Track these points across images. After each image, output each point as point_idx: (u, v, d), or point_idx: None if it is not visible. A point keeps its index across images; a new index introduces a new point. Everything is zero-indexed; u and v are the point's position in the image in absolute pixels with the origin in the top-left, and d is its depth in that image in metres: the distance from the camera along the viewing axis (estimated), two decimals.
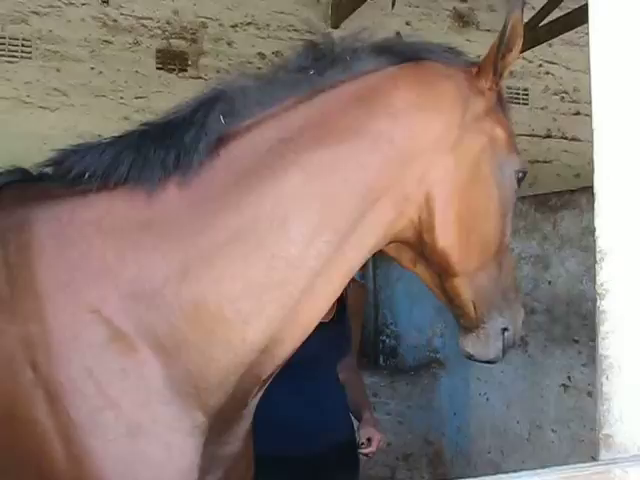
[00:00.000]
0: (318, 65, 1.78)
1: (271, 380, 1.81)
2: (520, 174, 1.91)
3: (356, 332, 3.18)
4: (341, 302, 2.92)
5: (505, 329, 1.95)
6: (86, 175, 1.71)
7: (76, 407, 1.57)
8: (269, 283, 1.66)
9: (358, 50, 1.82)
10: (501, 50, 1.80)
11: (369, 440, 2.95)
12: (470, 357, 2.00)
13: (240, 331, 1.65)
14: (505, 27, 1.77)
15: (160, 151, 1.68)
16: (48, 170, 1.81)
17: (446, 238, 1.78)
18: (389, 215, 1.76)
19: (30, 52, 5.60)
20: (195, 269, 1.63)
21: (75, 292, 1.62)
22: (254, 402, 1.82)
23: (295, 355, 1.79)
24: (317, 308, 1.74)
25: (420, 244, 1.82)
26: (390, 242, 1.86)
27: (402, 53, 1.84)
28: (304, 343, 1.78)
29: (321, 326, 1.82)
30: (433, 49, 1.88)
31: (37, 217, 1.70)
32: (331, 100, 1.75)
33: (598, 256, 1.47)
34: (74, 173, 1.72)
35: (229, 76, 1.87)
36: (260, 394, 1.82)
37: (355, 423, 3.08)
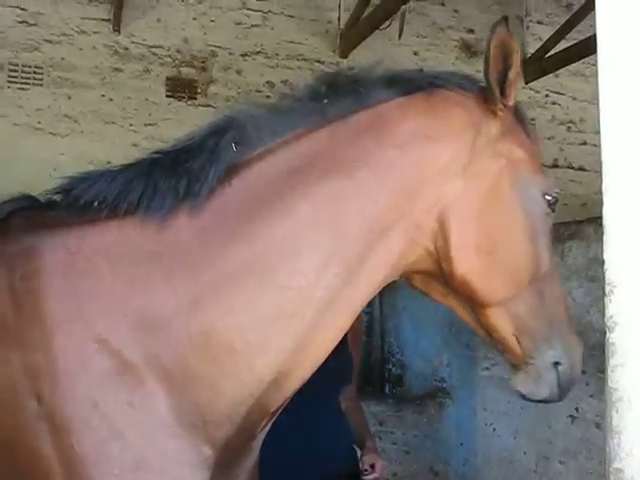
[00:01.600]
0: (331, 95, 1.78)
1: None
2: (550, 197, 1.84)
3: (356, 360, 3.17)
4: None
5: (557, 363, 1.83)
6: (95, 203, 1.70)
7: (81, 439, 1.54)
8: (278, 315, 1.64)
9: (371, 81, 1.82)
10: (497, 69, 1.77)
11: (372, 467, 2.93)
12: (523, 397, 1.87)
13: (249, 363, 1.63)
14: (489, 45, 1.75)
15: (171, 179, 1.68)
16: (57, 197, 1.80)
17: (464, 265, 1.75)
18: (399, 245, 1.75)
19: (42, 79, 5.68)
20: (204, 300, 1.62)
21: (83, 322, 1.60)
22: (262, 434, 1.79)
23: None
24: (327, 340, 1.72)
25: (442, 274, 1.79)
26: (406, 273, 1.84)
27: (414, 83, 1.84)
28: None
29: None
30: (446, 77, 1.88)
31: (45, 245, 1.68)
32: (341, 131, 1.75)
33: (607, 288, 1.47)
34: (83, 201, 1.71)
35: (241, 104, 1.88)
36: (268, 426, 1.79)
37: (359, 452, 3.06)
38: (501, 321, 1.80)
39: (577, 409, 3.99)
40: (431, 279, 1.85)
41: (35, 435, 1.55)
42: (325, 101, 1.78)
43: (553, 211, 1.87)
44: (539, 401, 1.89)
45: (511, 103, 1.82)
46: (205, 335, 1.61)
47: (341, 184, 1.71)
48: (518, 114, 1.93)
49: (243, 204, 1.68)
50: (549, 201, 1.85)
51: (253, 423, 1.71)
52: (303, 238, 1.67)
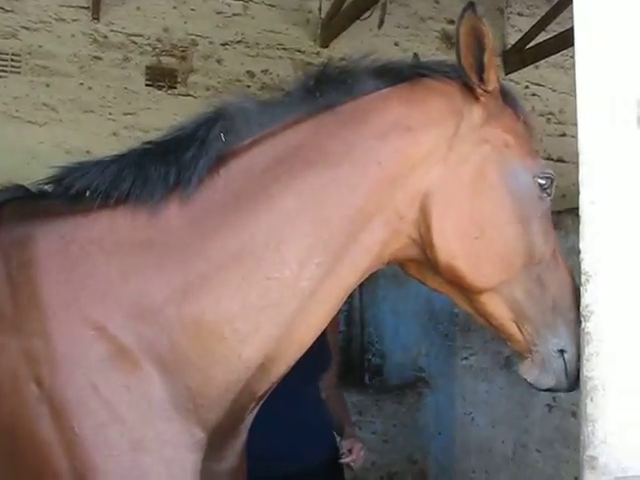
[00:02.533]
0: (319, 87, 1.81)
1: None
2: (543, 180, 1.82)
3: (334, 348, 3.20)
4: None
5: (563, 351, 1.79)
6: (88, 192, 1.73)
7: (81, 422, 1.58)
8: (264, 304, 1.69)
9: (358, 72, 1.84)
10: (471, 54, 1.77)
11: (350, 451, 2.97)
12: (531, 386, 1.85)
13: (237, 349, 1.68)
14: (458, 31, 1.75)
15: (161, 168, 1.71)
16: (48, 187, 1.82)
17: (447, 251, 1.76)
18: (382, 235, 1.77)
19: (20, 67, 5.60)
20: (195, 289, 1.66)
21: (79, 309, 1.64)
22: (250, 417, 1.85)
23: None
24: (312, 328, 1.77)
25: (429, 262, 1.81)
26: (394, 261, 1.87)
27: (400, 74, 1.85)
28: None
29: None
30: (430, 67, 1.89)
31: (40, 234, 1.71)
32: (326, 122, 1.78)
33: (583, 278, 1.49)
34: (76, 190, 1.74)
35: (230, 96, 1.89)
36: (256, 410, 1.85)
37: (338, 439, 3.09)
38: (497, 307, 1.81)
39: (554, 398, 4.03)
40: (423, 267, 1.87)
41: (36, 419, 1.59)
42: (313, 94, 1.80)
43: (548, 194, 1.84)
44: (547, 390, 1.87)
45: (491, 87, 1.81)
46: (196, 323, 1.66)
47: (323, 175, 1.73)
48: (508, 97, 1.92)
49: (231, 194, 1.72)
50: (541, 184, 1.82)
51: (242, 407, 1.77)
52: (287, 229, 1.70)
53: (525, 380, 1.85)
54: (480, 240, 1.76)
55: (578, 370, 1.78)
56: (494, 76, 1.81)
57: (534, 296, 1.79)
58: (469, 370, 4.86)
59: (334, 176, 1.74)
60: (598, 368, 1.45)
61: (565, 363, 1.80)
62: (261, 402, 1.84)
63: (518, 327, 1.82)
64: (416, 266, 1.90)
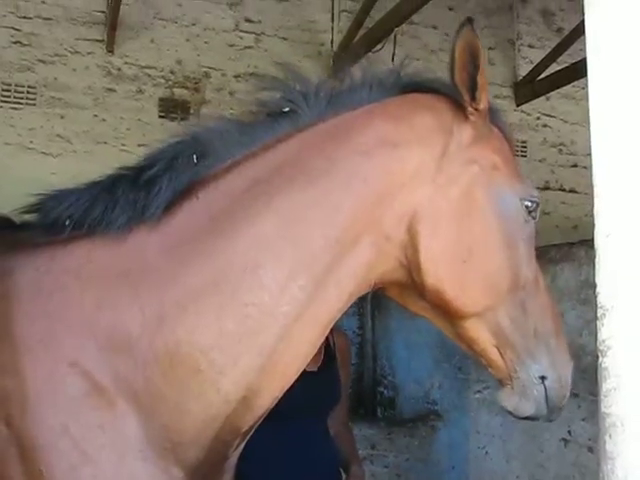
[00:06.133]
0: (301, 104, 1.75)
1: (254, 431, 1.75)
2: (529, 202, 1.77)
3: (345, 383, 3.13)
4: (328, 351, 2.89)
5: (543, 377, 1.75)
6: (64, 221, 1.68)
7: (51, 465, 1.51)
8: (243, 332, 1.60)
9: (344, 88, 1.79)
10: (466, 72, 1.72)
11: None
12: (510, 414, 1.80)
13: (215, 382, 1.59)
14: (454, 47, 1.71)
15: (130, 194, 1.66)
16: (28, 217, 1.79)
17: (434, 274, 1.69)
18: (368, 257, 1.69)
19: (35, 99, 5.67)
20: (170, 319, 1.59)
21: (53, 343, 1.57)
22: (236, 454, 1.76)
23: (280, 405, 1.73)
24: (297, 356, 1.68)
25: (415, 285, 1.74)
26: (379, 284, 1.79)
27: (388, 89, 1.80)
28: (289, 393, 1.72)
29: (307, 375, 1.77)
30: (420, 82, 1.84)
31: (15, 267, 1.67)
32: (308, 139, 1.71)
33: (599, 312, 1.46)
34: (52, 220, 1.70)
35: (209, 120, 1.87)
36: (242, 446, 1.75)
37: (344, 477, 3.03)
38: (480, 333, 1.75)
39: (569, 432, 3.96)
40: (406, 290, 1.80)
41: (5, 462, 1.52)
42: (294, 111, 1.75)
43: (534, 218, 1.79)
44: (526, 418, 1.82)
45: (482, 106, 1.77)
46: (170, 355, 1.58)
47: (305, 193, 1.66)
48: (494, 117, 1.87)
49: (208, 218, 1.66)
50: (528, 207, 1.77)
51: (224, 444, 1.68)
52: (265, 251, 1.62)
53: (502, 406, 1.80)
54: (468, 263, 1.70)
55: (560, 397, 1.78)
56: (486, 95, 1.77)
57: (517, 322, 1.74)
58: (483, 404, 4.80)
59: (317, 193, 1.66)
60: (616, 404, 1.41)
61: (546, 390, 1.76)
62: (247, 438, 1.74)
63: (500, 353, 1.76)
64: (399, 289, 1.82)
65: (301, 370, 1.71)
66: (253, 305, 1.60)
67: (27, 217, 1.80)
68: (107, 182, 1.74)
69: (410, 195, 1.69)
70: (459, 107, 1.77)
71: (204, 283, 1.60)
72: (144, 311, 1.59)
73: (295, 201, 1.65)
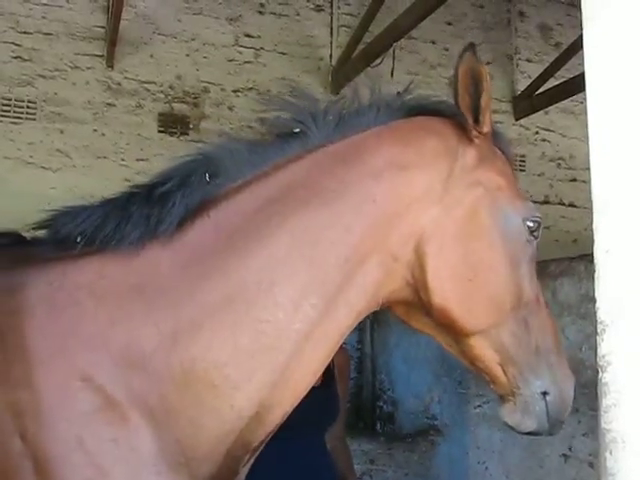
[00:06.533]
0: (310, 125, 1.79)
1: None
2: (531, 222, 1.81)
3: (343, 398, 3.12)
4: (327, 366, 2.88)
5: (545, 393, 1.79)
6: (76, 237, 1.70)
7: (66, 478, 1.52)
8: (257, 348, 1.63)
9: (353, 110, 1.83)
10: (468, 96, 1.77)
11: None
12: (512, 429, 1.83)
13: (229, 398, 1.62)
14: (457, 72, 1.75)
15: (143, 210, 1.69)
16: (39, 233, 1.81)
17: (442, 294, 1.73)
18: (377, 275, 1.73)
19: (35, 114, 5.69)
20: (184, 335, 1.61)
21: (67, 358, 1.59)
22: (245, 469, 1.77)
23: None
24: (308, 372, 1.71)
25: (421, 304, 1.78)
26: (386, 303, 1.82)
27: (395, 111, 1.84)
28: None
29: (308, 391, 1.78)
30: (426, 104, 1.88)
31: (28, 282, 1.68)
32: (319, 160, 1.76)
33: (599, 327, 1.45)
34: (64, 235, 1.72)
35: (220, 139, 1.89)
36: (251, 461, 1.77)
37: None
38: (484, 350, 1.78)
39: (570, 448, 3.95)
40: (412, 308, 1.84)
41: (19, 475, 1.53)
42: (305, 132, 1.79)
43: (535, 237, 1.83)
44: (528, 433, 1.84)
45: (486, 129, 1.82)
46: (185, 371, 1.60)
47: (317, 214, 1.70)
48: (498, 139, 1.92)
49: (221, 236, 1.69)
50: (530, 227, 1.81)
51: (236, 459, 1.70)
52: (279, 270, 1.66)
53: (504, 422, 1.83)
54: (473, 282, 1.74)
55: (561, 412, 1.81)
56: (489, 119, 1.81)
57: (520, 339, 1.77)
58: (483, 418, 4.78)
59: (328, 214, 1.71)
60: (617, 420, 1.40)
61: (547, 405, 1.79)
62: (256, 454, 1.76)
63: (503, 370, 1.79)
64: (405, 307, 1.86)
65: (310, 386, 1.74)
66: (267, 322, 1.64)
67: (37, 233, 1.81)
68: (120, 199, 1.76)
69: (417, 216, 1.74)
70: (464, 130, 1.81)
71: (218, 300, 1.64)
72: (159, 327, 1.61)
73: (308, 222, 1.69)
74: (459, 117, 1.81)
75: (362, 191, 1.73)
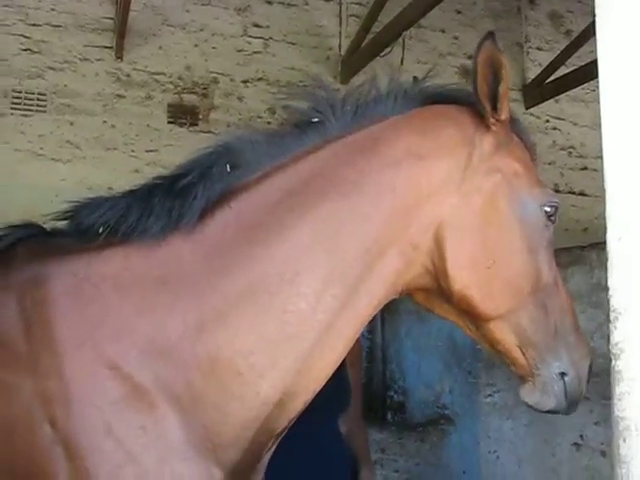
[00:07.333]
0: (328, 116, 1.81)
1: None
2: (548, 208, 1.84)
3: (356, 383, 3.13)
4: None
5: (563, 374, 1.83)
6: (98, 229, 1.73)
7: (96, 464, 1.56)
8: (281, 337, 1.67)
9: (370, 99, 1.85)
10: (486, 84, 1.79)
11: None
12: (531, 408, 1.89)
13: (254, 385, 1.66)
14: (476, 60, 1.77)
15: (166, 201, 1.72)
16: (60, 224, 1.82)
17: (461, 281, 1.76)
18: (396, 265, 1.76)
19: (45, 106, 5.70)
20: (209, 325, 1.65)
21: (94, 348, 1.62)
22: (268, 455, 1.81)
23: None
24: (330, 360, 1.75)
25: (441, 290, 1.81)
26: (406, 291, 1.86)
27: (412, 100, 1.86)
28: None
29: None
30: (442, 93, 1.91)
31: (53, 273, 1.71)
32: (338, 151, 1.78)
33: (612, 315, 1.45)
34: (87, 227, 1.74)
35: (239, 129, 1.90)
36: (274, 447, 1.81)
37: None
38: (504, 334, 1.81)
39: (582, 436, 3.94)
40: (432, 295, 1.87)
41: (50, 461, 1.57)
42: (322, 122, 1.81)
43: (553, 222, 1.87)
44: (547, 411, 1.89)
45: (504, 117, 1.84)
46: (211, 359, 1.64)
47: (337, 205, 1.73)
48: (516, 126, 1.94)
49: (243, 228, 1.71)
50: (547, 212, 1.85)
51: (259, 445, 1.74)
52: (302, 261, 1.69)
53: (524, 401, 1.88)
54: (492, 269, 1.77)
55: (577, 392, 1.86)
56: (507, 106, 1.83)
57: (538, 322, 1.81)
58: (493, 407, 4.78)
59: (348, 205, 1.73)
60: (630, 408, 1.40)
61: (565, 385, 1.83)
62: (279, 439, 1.81)
63: (522, 352, 1.82)
64: (425, 294, 1.89)
65: (331, 374, 1.78)
66: (291, 312, 1.68)
67: (56, 224, 1.83)
68: (141, 191, 1.78)
69: (436, 205, 1.76)
70: (481, 117, 1.83)
71: (242, 290, 1.67)
72: (184, 317, 1.65)
73: (328, 213, 1.72)
74: (476, 105, 1.83)
75: (381, 181, 1.75)
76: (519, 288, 1.79)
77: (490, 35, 1.77)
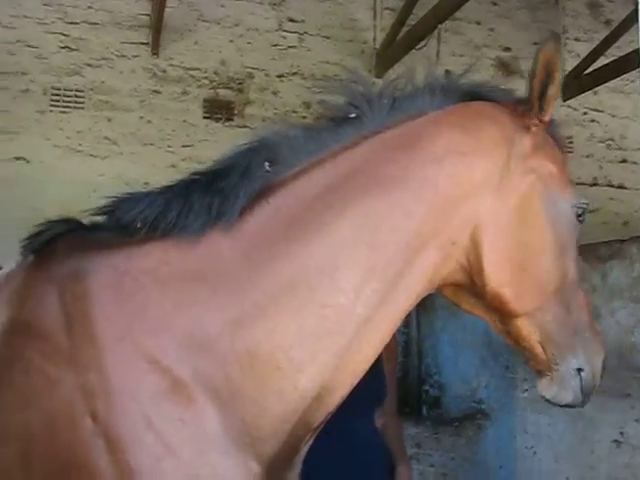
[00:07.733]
0: (365, 110, 1.80)
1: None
2: (579, 209, 1.88)
3: (392, 377, 3.12)
4: None
5: (580, 369, 1.88)
6: (138, 224, 1.74)
7: (137, 456, 1.57)
8: (320, 332, 1.68)
9: (407, 94, 1.85)
10: (540, 84, 1.81)
11: None
12: (548, 401, 1.93)
13: (293, 380, 1.66)
14: (536, 60, 1.79)
15: (205, 199, 1.72)
16: (99, 219, 1.84)
17: (496, 279, 1.78)
18: (435, 260, 1.77)
19: (83, 102, 5.79)
20: (249, 319, 1.66)
21: (133, 341, 1.63)
22: (305, 448, 1.82)
23: None
24: (367, 355, 1.76)
25: (474, 287, 1.83)
26: (439, 286, 1.86)
27: (449, 95, 1.86)
28: None
29: None
30: (480, 90, 1.91)
31: (93, 267, 1.72)
32: (377, 147, 1.78)
33: None
34: (126, 222, 1.75)
35: (275, 125, 1.90)
36: (311, 441, 1.82)
37: None
38: (528, 330, 1.84)
39: (622, 433, 3.88)
40: (461, 290, 1.89)
41: (91, 452, 1.58)
42: (359, 117, 1.80)
43: (581, 222, 1.90)
44: (563, 405, 1.93)
45: (547, 118, 1.86)
46: (250, 354, 1.65)
47: (378, 201, 1.73)
48: (550, 126, 1.94)
49: (281, 223, 1.72)
50: (577, 213, 1.89)
51: (297, 438, 1.74)
52: (341, 256, 1.70)
53: (541, 395, 1.92)
54: (525, 268, 1.80)
55: (591, 387, 1.92)
56: (552, 108, 1.85)
57: (561, 319, 1.85)
58: (531, 403, 4.73)
59: (389, 201, 1.74)
60: None
61: (581, 381, 1.89)
62: (316, 433, 1.81)
63: (543, 348, 1.86)
64: (453, 289, 1.91)
65: (368, 368, 1.78)
66: (331, 307, 1.68)
67: (95, 219, 1.84)
68: (180, 187, 1.79)
69: (475, 203, 1.78)
70: (519, 117, 1.85)
71: (282, 285, 1.68)
72: (223, 311, 1.66)
73: (369, 209, 1.73)
74: (515, 103, 1.86)
75: (423, 177, 1.76)
76: (547, 286, 1.82)
77: (555, 36, 1.81)
